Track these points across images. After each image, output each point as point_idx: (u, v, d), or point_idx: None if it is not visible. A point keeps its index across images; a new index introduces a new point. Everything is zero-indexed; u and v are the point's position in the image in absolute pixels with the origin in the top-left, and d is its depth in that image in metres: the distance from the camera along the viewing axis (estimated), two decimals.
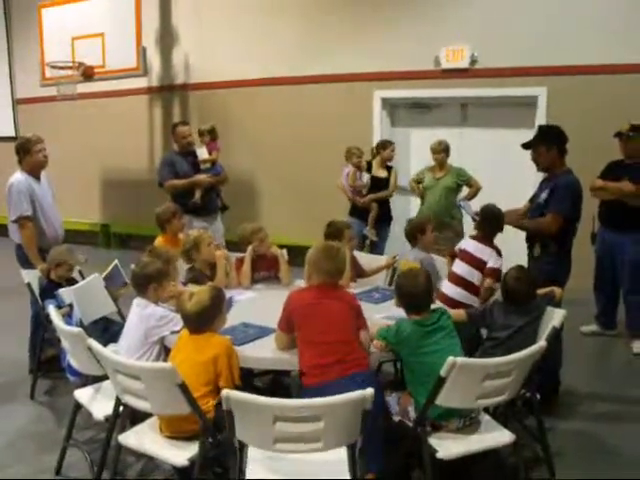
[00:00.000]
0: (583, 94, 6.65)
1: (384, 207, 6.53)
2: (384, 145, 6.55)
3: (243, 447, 2.40)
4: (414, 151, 7.88)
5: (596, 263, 5.39)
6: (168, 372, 2.47)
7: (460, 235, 5.95)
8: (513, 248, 4.39)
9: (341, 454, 2.40)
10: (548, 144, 4.07)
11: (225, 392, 2.24)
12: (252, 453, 2.47)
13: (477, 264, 3.94)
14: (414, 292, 2.94)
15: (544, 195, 4.05)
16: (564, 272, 3.99)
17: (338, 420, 2.27)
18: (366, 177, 6.43)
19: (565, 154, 4.12)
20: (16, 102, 10.63)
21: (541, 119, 6.91)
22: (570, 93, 6.71)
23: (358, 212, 6.47)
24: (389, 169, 6.56)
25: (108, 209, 10.04)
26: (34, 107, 10.22)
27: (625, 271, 5.09)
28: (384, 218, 6.54)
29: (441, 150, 6.28)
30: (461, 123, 7.66)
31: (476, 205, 6.11)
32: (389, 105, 7.98)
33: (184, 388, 2.46)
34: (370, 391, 2.23)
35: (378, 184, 6.48)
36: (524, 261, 4.04)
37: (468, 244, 4.06)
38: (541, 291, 3.43)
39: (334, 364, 2.76)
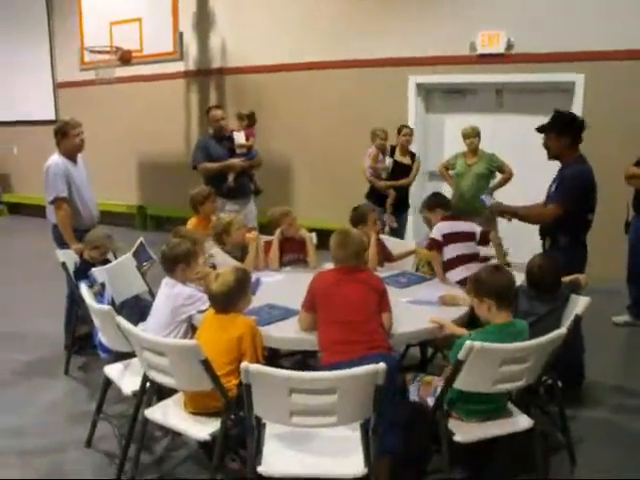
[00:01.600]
0: (621, 80, 6.53)
1: (402, 194, 6.47)
2: (399, 129, 6.50)
3: (260, 426, 2.49)
4: (448, 137, 7.83)
5: (629, 252, 5.31)
6: (192, 349, 2.53)
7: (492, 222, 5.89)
8: (529, 240, 4.34)
9: (356, 435, 2.47)
10: (560, 131, 3.90)
11: (244, 365, 2.31)
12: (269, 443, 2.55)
13: (473, 237, 3.97)
14: (501, 284, 2.82)
15: (554, 186, 3.96)
16: (576, 264, 3.77)
17: (352, 394, 2.32)
18: (388, 160, 6.41)
19: (579, 143, 3.94)
20: (56, 86, 10.86)
21: (578, 106, 6.82)
22: (608, 79, 6.60)
23: (375, 196, 6.43)
24: (413, 156, 6.52)
25: (144, 191, 10.22)
26: (74, 91, 10.44)
27: None
28: (400, 205, 6.48)
29: (474, 135, 6.23)
30: (496, 109, 7.59)
31: (509, 191, 6.13)
32: (424, 90, 7.94)
33: (207, 365, 2.53)
34: (382, 366, 2.27)
35: (400, 170, 6.44)
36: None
37: (445, 227, 3.94)
38: (566, 279, 3.40)
39: (351, 344, 2.79)
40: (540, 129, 4.03)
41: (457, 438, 2.66)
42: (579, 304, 3.12)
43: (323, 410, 2.34)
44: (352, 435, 2.55)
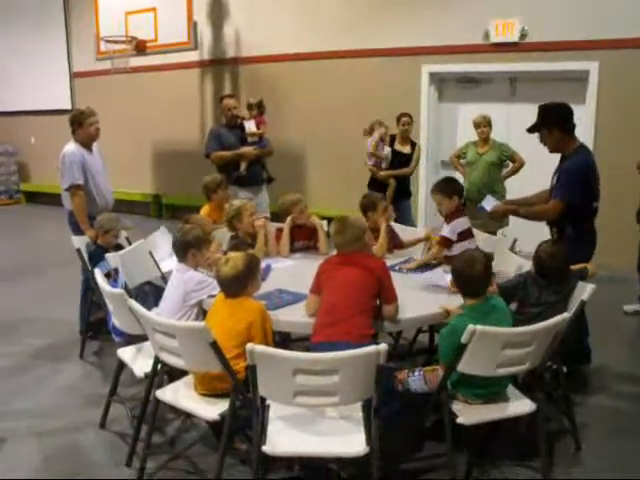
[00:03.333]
0: (636, 68, 6.48)
1: (402, 183, 6.48)
2: (398, 118, 6.50)
3: (265, 406, 2.57)
4: (461, 126, 7.81)
5: None
6: (201, 331, 2.59)
7: None
8: (538, 229, 4.30)
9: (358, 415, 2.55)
10: (549, 126, 3.88)
11: (249, 346, 2.38)
12: (274, 423, 2.62)
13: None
14: (472, 277, 2.88)
15: (555, 178, 3.95)
16: (583, 254, 3.74)
17: (353, 374, 2.38)
18: (387, 150, 6.40)
19: (572, 131, 3.91)
20: (73, 75, 10.96)
21: (592, 94, 6.81)
22: (623, 67, 6.56)
23: (376, 186, 6.41)
24: (414, 145, 6.53)
25: (159, 180, 10.31)
26: (90, 80, 10.53)
27: None
28: (402, 194, 6.47)
29: (486, 124, 6.23)
30: (510, 98, 7.56)
31: (522, 181, 6.15)
32: (437, 80, 7.93)
33: (215, 347, 2.59)
34: (384, 346, 2.33)
35: (400, 159, 6.45)
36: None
37: (460, 225, 3.85)
38: (575, 267, 3.41)
39: (332, 326, 2.83)
40: (530, 129, 4.01)
41: (460, 420, 2.70)
42: (585, 291, 3.14)
43: (325, 390, 2.40)
44: (354, 415, 2.61)
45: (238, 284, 2.96)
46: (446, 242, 3.84)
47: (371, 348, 2.33)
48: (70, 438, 3.43)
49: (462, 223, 3.86)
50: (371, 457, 2.44)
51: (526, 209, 4.04)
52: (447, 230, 3.85)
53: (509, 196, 6.06)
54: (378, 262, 3.13)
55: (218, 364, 2.65)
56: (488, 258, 2.96)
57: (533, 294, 3.35)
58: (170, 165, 10.03)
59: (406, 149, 6.49)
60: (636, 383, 4.16)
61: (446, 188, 3.96)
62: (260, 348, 2.38)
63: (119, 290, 3.16)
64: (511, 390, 2.94)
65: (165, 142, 10.00)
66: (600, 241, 3.96)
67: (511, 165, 6.34)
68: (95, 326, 4.66)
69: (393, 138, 6.52)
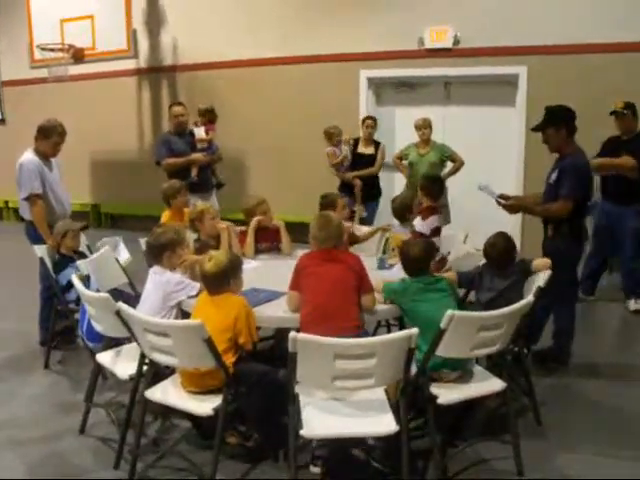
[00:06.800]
0: (562, 73, 6.94)
1: (370, 183, 6.71)
2: (363, 121, 6.80)
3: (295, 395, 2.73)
4: (399, 129, 8.11)
5: (594, 232, 5.64)
6: (196, 328, 2.69)
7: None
8: (487, 225, 4.50)
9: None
10: (557, 125, 4.04)
11: (292, 334, 2.51)
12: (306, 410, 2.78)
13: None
14: (410, 258, 3.24)
15: (554, 176, 4.10)
16: (575, 251, 4.05)
17: (388, 357, 2.59)
18: (344, 150, 6.62)
19: (574, 132, 4.09)
20: (1, 84, 10.66)
21: (522, 97, 7.23)
22: (549, 71, 7.02)
23: (347, 188, 6.68)
24: (377, 145, 6.77)
25: (98, 190, 10.17)
26: (22, 89, 10.28)
27: (628, 240, 5.38)
28: (371, 194, 6.73)
29: (426, 126, 6.52)
30: (445, 101, 7.92)
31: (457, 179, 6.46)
32: (374, 84, 8.20)
33: (210, 343, 2.69)
34: (415, 330, 2.54)
35: (365, 160, 6.70)
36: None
37: (435, 221, 4.27)
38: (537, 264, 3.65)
39: (322, 322, 2.95)
40: (538, 128, 4.17)
41: (440, 401, 2.89)
42: (540, 277, 3.42)
43: (363, 373, 2.59)
44: (376, 399, 2.83)
45: (221, 280, 3.05)
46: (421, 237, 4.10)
47: (405, 332, 2.56)
48: (51, 446, 3.42)
49: (437, 220, 4.22)
50: (401, 435, 2.64)
51: (541, 207, 4.19)
52: (424, 227, 4.18)
53: (451, 194, 6.41)
54: (354, 257, 3.30)
55: (211, 360, 2.75)
56: (429, 245, 3.37)
57: (486, 281, 3.66)
58: (108, 174, 9.91)
59: (369, 150, 6.75)
60: (581, 361, 4.43)
61: (440, 193, 4.60)
62: (302, 336, 2.54)
63: (104, 294, 3.20)
64: (482, 372, 3.17)
65: (103, 151, 9.87)
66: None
67: (451, 165, 6.65)
68: (58, 336, 4.62)
69: (357, 141, 6.76)
